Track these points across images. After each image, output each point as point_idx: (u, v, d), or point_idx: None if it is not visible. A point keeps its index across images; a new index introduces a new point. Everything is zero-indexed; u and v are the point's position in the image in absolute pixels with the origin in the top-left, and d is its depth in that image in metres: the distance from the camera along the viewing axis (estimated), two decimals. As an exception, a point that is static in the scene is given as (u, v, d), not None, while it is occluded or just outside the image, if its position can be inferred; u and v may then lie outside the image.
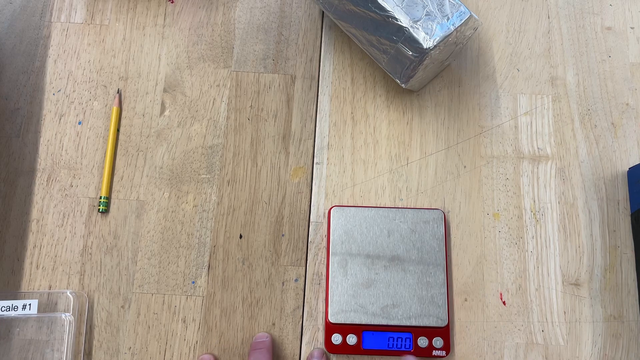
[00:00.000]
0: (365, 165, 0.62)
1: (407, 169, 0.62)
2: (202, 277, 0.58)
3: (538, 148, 0.63)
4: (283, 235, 0.60)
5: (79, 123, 0.62)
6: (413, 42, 0.56)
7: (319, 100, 0.64)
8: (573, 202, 0.61)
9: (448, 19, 0.56)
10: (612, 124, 0.63)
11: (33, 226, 0.59)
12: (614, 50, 0.66)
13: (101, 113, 0.63)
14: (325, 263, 0.58)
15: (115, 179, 0.61)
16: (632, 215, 0.60)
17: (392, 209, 0.59)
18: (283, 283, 0.58)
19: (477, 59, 0.66)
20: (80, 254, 0.59)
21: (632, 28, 0.67)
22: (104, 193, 0.60)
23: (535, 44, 0.66)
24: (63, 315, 0.56)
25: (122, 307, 0.57)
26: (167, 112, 0.63)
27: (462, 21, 0.56)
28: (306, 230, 0.60)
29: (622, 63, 0.66)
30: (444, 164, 0.62)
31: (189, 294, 0.58)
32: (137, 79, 0.64)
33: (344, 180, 0.61)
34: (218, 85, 0.64)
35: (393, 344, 0.55)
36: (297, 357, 0.56)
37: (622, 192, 0.61)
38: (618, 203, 0.61)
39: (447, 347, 0.56)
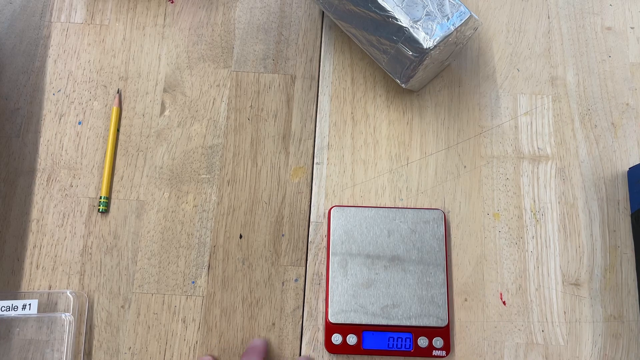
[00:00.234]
0: (365, 165, 0.62)
1: (407, 169, 0.62)
2: (202, 277, 0.58)
3: (538, 148, 0.63)
4: (283, 235, 0.60)
5: (79, 123, 0.62)
6: (413, 42, 0.56)
7: (319, 100, 0.64)
8: (573, 202, 0.61)
9: (448, 19, 0.56)
10: (612, 124, 0.63)
11: (33, 226, 0.59)
12: (614, 50, 0.66)
13: (101, 113, 0.63)
14: (325, 263, 0.58)
15: (115, 179, 0.61)
16: (632, 215, 0.60)
17: (392, 209, 0.59)
18: (283, 283, 0.58)
19: (477, 59, 0.66)
20: (80, 254, 0.59)
21: (632, 28, 0.67)
22: (104, 193, 0.60)
23: (535, 44, 0.66)
24: (63, 315, 0.56)
25: (122, 307, 0.57)
26: (167, 112, 0.63)
27: (462, 21, 0.56)
28: (306, 230, 0.60)
29: (622, 63, 0.66)
30: (444, 164, 0.62)
31: (189, 294, 0.58)
32: (137, 79, 0.64)
33: (344, 180, 0.61)
34: (218, 85, 0.64)
35: (393, 344, 0.55)
36: (297, 357, 0.56)
37: (622, 192, 0.61)
38: (618, 203, 0.61)
39: (447, 347, 0.56)
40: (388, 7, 0.56)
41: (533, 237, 0.60)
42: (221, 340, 0.57)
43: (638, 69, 0.65)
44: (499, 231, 0.60)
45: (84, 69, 0.64)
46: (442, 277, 0.57)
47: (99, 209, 0.59)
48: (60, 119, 0.62)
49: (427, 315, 0.56)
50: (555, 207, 0.61)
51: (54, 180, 0.61)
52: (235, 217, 0.60)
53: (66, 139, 0.62)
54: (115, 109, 0.62)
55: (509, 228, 0.60)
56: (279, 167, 0.62)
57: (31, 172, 0.61)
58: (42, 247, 0.59)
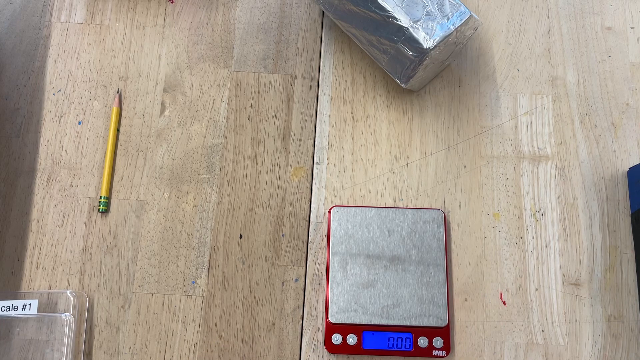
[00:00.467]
0: (365, 165, 0.62)
1: (407, 169, 0.62)
2: (202, 277, 0.58)
3: (538, 148, 0.63)
4: (283, 235, 0.60)
5: (79, 123, 0.62)
6: (413, 42, 0.56)
7: (319, 100, 0.64)
8: (573, 202, 0.61)
9: (448, 19, 0.56)
10: (612, 124, 0.63)
11: (33, 226, 0.59)
12: (614, 50, 0.66)
13: (101, 113, 0.63)
14: (325, 263, 0.58)
15: (115, 179, 0.61)
16: (632, 215, 0.60)
17: (392, 209, 0.59)
18: (283, 283, 0.58)
19: (477, 59, 0.66)
20: (80, 254, 0.59)
21: (632, 28, 0.67)
22: (104, 193, 0.60)
23: (535, 44, 0.66)
24: (63, 315, 0.56)
25: (122, 307, 0.57)
26: (167, 112, 0.63)
27: (462, 21, 0.56)
28: (306, 230, 0.60)
29: (622, 63, 0.66)
30: (444, 164, 0.62)
31: (189, 294, 0.58)
32: (137, 79, 0.64)
33: (344, 180, 0.61)
34: (218, 85, 0.64)
35: (393, 344, 0.55)
36: (297, 357, 0.56)
37: (622, 192, 0.61)
38: (618, 203, 0.61)
39: (447, 347, 0.56)
40: (388, 7, 0.56)
41: (533, 237, 0.60)
42: (221, 340, 0.57)
43: (638, 69, 0.65)
44: (499, 231, 0.60)
45: (84, 69, 0.64)
46: (442, 277, 0.57)
47: (99, 209, 0.59)
48: (60, 119, 0.62)
49: (427, 315, 0.56)
50: (555, 207, 0.61)
51: (54, 180, 0.61)
52: (235, 217, 0.60)
53: (66, 139, 0.62)
54: (115, 109, 0.62)
55: (509, 228, 0.60)
56: (279, 167, 0.62)
57: (31, 172, 0.61)
58: (42, 247, 0.59)
